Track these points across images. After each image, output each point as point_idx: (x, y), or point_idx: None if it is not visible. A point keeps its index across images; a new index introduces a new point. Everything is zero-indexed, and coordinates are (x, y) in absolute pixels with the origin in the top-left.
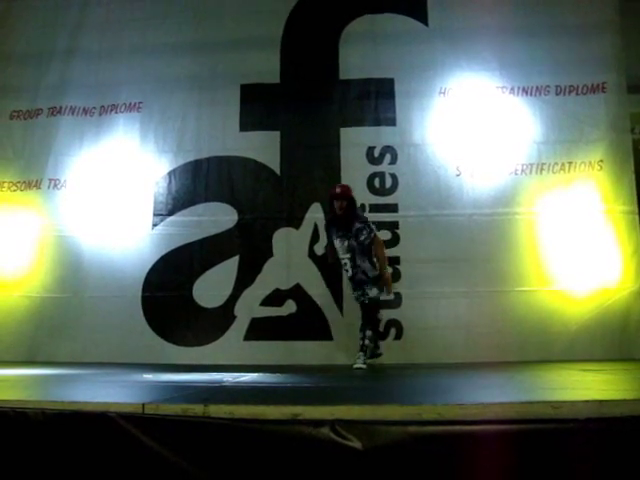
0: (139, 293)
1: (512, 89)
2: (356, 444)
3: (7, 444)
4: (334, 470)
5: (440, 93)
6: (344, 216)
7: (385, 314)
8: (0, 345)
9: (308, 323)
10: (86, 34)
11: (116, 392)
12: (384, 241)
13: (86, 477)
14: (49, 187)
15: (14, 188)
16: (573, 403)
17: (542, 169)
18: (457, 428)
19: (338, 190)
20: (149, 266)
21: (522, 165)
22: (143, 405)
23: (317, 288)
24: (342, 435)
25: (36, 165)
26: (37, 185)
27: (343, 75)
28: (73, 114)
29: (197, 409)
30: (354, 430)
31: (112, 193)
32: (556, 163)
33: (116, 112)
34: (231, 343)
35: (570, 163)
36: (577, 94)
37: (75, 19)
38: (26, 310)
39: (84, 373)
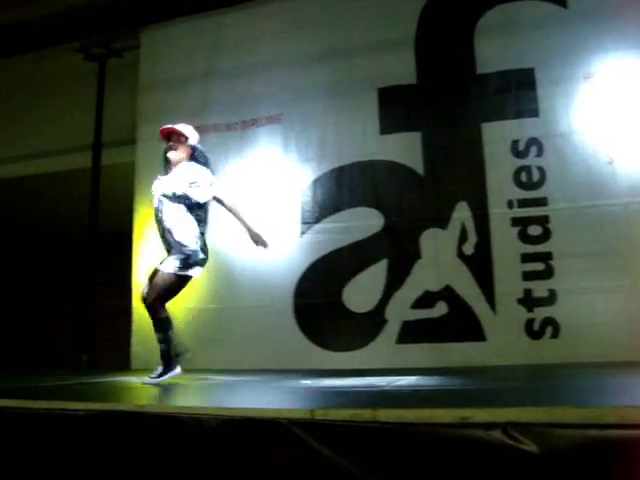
0: (291, 300)
1: None
2: (531, 448)
3: (184, 450)
4: (508, 475)
5: (584, 78)
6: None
7: (540, 312)
8: None
9: (460, 324)
10: (223, 54)
11: (283, 398)
12: (534, 236)
13: None
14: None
15: None
16: None
17: None
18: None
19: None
20: (299, 274)
21: None
22: (312, 411)
23: (468, 288)
24: (516, 438)
25: None
26: None
27: (480, 69)
28: (217, 131)
29: (366, 414)
30: (529, 433)
31: (259, 204)
32: None
33: (257, 125)
34: (383, 347)
35: None
36: None
37: (211, 42)
38: (183, 321)
39: (245, 380)
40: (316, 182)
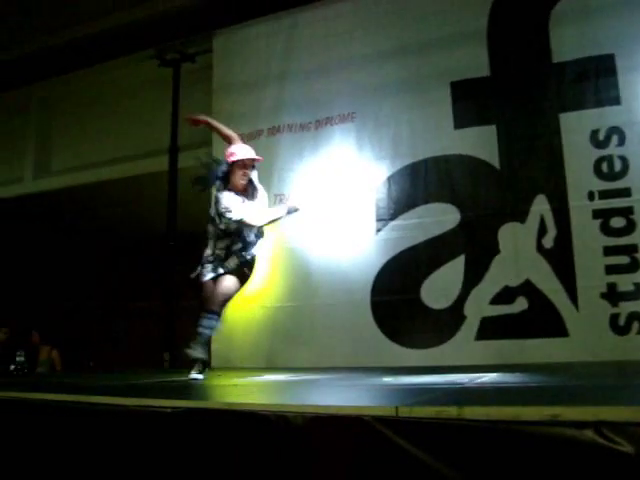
0: (368, 298)
1: None
2: (626, 448)
3: (270, 447)
4: (601, 476)
5: None
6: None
7: (626, 307)
8: (242, 352)
9: (541, 320)
10: (295, 55)
11: (366, 395)
12: (617, 229)
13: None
14: (275, 202)
15: None
16: None
17: None
18: None
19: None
20: (376, 271)
21: None
22: (397, 408)
23: (549, 283)
24: (609, 438)
25: (262, 183)
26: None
27: (557, 58)
28: (291, 131)
29: (451, 411)
30: (623, 433)
31: (335, 202)
32: None
33: (331, 124)
34: (462, 343)
35: None
36: None
37: (284, 43)
38: (263, 319)
39: (325, 378)
40: (390, 179)
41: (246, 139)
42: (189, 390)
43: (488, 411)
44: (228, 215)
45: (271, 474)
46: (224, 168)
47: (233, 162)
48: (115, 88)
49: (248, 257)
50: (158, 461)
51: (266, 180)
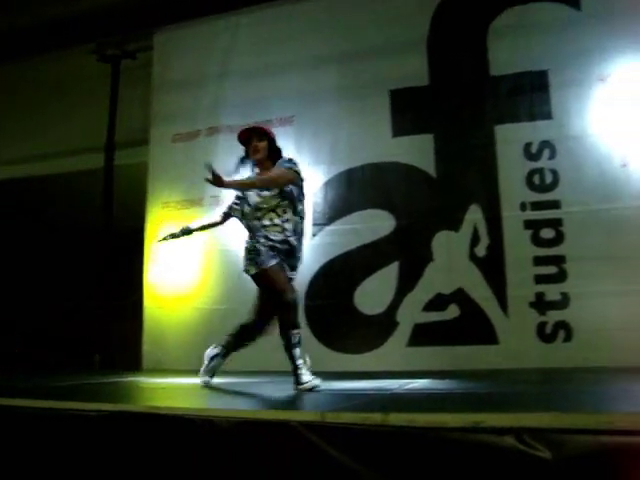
0: (302, 302)
1: None
2: (545, 454)
3: (195, 451)
4: None
5: (599, 80)
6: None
7: (552, 315)
8: (174, 355)
9: (472, 327)
10: (237, 56)
11: (294, 401)
12: (547, 239)
13: None
14: (210, 204)
15: (179, 206)
16: None
17: None
18: None
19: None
20: (310, 275)
21: None
22: (323, 413)
23: (480, 291)
24: (529, 444)
25: (198, 184)
26: (199, 203)
27: (494, 71)
28: (230, 132)
29: (377, 417)
30: (542, 439)
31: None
32: None
33: (270, 127)
34: (394, 349)
35: None
36: None
37: (226, 42)
38: (196, 322)
39: (255, 382)
40: (327, 184)
41: (184, 139)
42: (115, 393)
43: (413, 417)
44: None
45: (196, 478)
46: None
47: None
48: (51, 82)
49: None
50: (83, 464)
51: (202, 181)
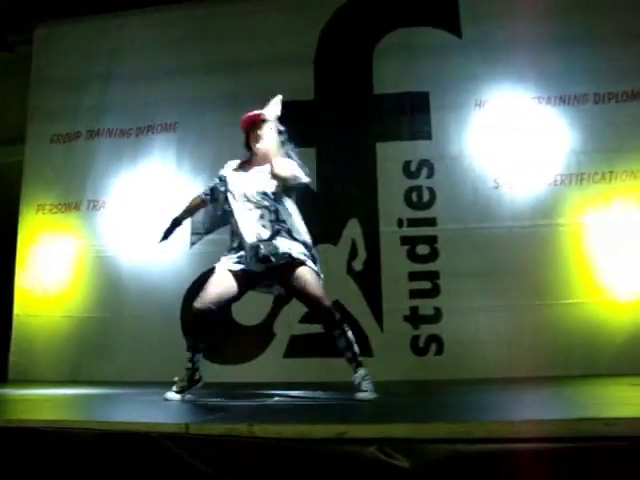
0: (178, 311)
1: (549, 99)
2: (403, 463)
3: (53, 463)
4: None
5: (476, 105)
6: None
7: (425, 329)
8: (44, 365)
9: None
10: (122, 57)
11: (159, 412)
12: (422, 255)
13: None
14: (88, 208)
15: (55, 210)
16: (628, 420)
17: (582, 179)
18: (507, 446)
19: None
20: (188, 284)
21: (561, 175)
22: (187, 425)
23: (356, 304)
24: (389, 454)
25: (76, 187)
26: (77, 207)
27: (378, 90)
28: (111, 136)
29: (242, 429)
30: (401, 449)
31: (150, 213)
32: (596, 173)
33: (153, 133)
34: (271, 361)
35: (611, 172)
36: (617, 101)
37: (112, 43)
38: (68, 330)
39: (126, 393)
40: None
41: (63, 140)
42: None
43: (278, 429)
44: None
45: None
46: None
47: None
48: None
49: None
50: None
51: (81, 185)
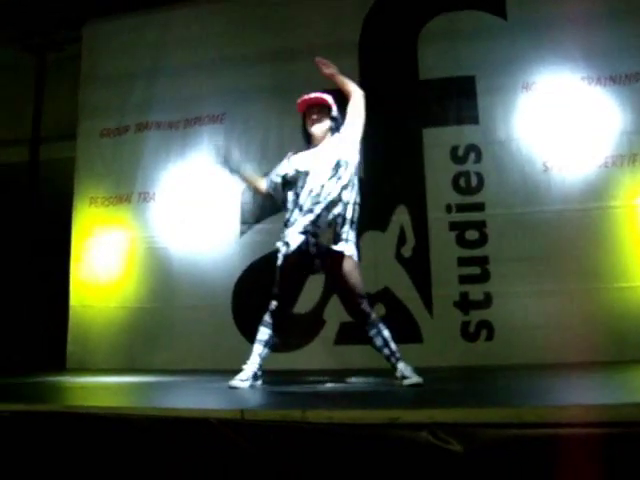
0: (229, 301)
1: (599, 79)
2: (456, 447)
3: (113, 449)
4: (435, 474)
5: (523, 88)
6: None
7: (475, 315)
8: (100, 354)
9: (397, 326)
10: (168, 51)
11: (214, 398)
12: (471, 241)
13: None
14: (139, 200)
15: (107, 203)
16: None
17: (635, 160)
18: (559, 431)
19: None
20: (238, 274)
21: (612, 157)
22: (242, 411)
23: (406, 291)
24: (442, 439)
25: (126, 180)
26: (128, 199)
27: (423, 75)
28: (159, 128)
29: (295, 414)
30: (454, 433)
31: (199, 204)
32: None
33: (200, 124)
34: (322, 348)
35: None
36: None
37: (157, 38)
38: (122, 320)
39: (180, 380)
40: None
41: (112, 134)
42: (28, 393)
43: (330, 414)
44: None
45: (114, 477)
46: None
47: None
48: None
49: None
50: None
51: (131, 177)
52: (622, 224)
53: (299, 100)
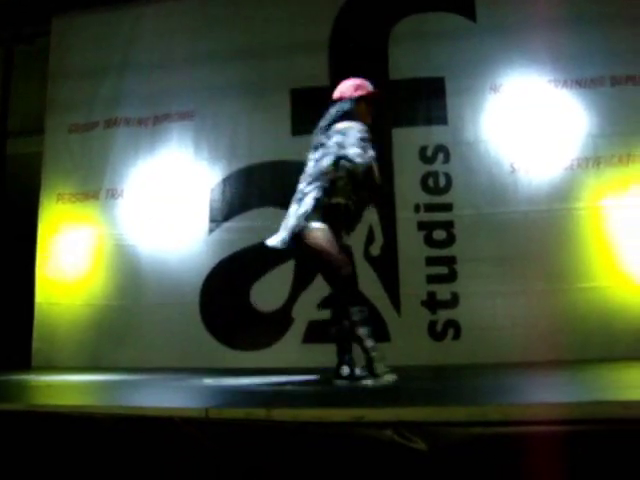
0: (197, 299)
1: (565, 82)
2: (420, 446)
3: (77, 447)
4: (399, 472)
5: (491, 89)
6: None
7: (443, 314)
8: (66, 352)
9: None
10: (138, 47)
11: (179, 397)
12: (439, 241)
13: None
14: (107, 197)
15: (74, 199)
16: None
17: (599, 162)
18: (523, 429)
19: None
20: (206, 272)
21: (578, 159)
22: (207, 409)
23: (374, 290)
24: (406, 437)
25: (94, 176)
26: (95, 196)
27: (393, 75)
28: (128, 125)
29: (260, 413)
30: (418, 432)
31: (168, 201)
32: (613, 156)
33: (169, 121)
34: (289, 346)
35: (629, 155)
36: (634, 84)
37: (127, 33)
38: (88, 318)
39: (146, 379)
40: (226, 180)
41: (81, 130)
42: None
43: (296, 413)
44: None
45: (77, 476)
46: (346, 107)
47: (361, 97)
48: None
49: None
50: None
51: (99, 174)
52: (586, 225)
53: (374, 89)
